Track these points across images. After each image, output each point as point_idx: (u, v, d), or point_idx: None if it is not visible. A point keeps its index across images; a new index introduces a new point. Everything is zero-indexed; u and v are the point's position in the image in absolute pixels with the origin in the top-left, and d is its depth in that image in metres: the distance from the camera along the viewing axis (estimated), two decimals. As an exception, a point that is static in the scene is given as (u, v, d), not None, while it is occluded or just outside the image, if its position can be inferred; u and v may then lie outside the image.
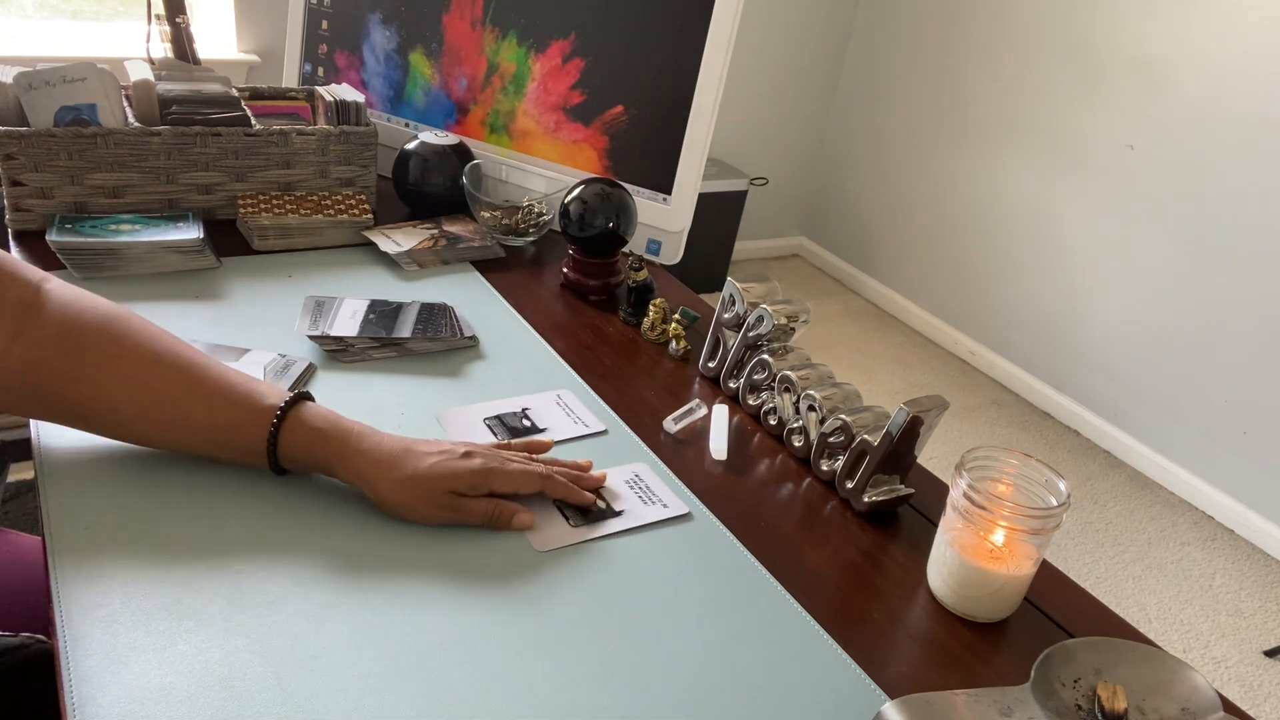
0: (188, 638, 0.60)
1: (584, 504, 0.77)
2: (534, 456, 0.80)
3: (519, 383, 0.94)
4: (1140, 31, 2.46)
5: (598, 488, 0.80)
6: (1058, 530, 0.83)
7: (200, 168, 1.12)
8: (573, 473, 0.79)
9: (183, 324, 0.93)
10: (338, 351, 0.93)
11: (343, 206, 1.17)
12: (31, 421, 0.77)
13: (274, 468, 0.73)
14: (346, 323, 0.96)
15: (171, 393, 0.71)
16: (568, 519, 0.76)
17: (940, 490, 0.87)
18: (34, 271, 0.73)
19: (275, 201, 1.14)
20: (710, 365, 1.00)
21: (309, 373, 0.89)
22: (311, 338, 0.93)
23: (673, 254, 1.26)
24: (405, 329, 0.97)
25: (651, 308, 1.06)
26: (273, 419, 0.72)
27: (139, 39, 1.37)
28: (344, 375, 0.90)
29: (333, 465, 0.73)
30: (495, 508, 0.73)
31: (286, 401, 0.72)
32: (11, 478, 1.89)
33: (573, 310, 1.11)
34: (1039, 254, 2.80)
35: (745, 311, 0.95)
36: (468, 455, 0.74)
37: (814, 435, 0.87)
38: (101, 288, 0.98)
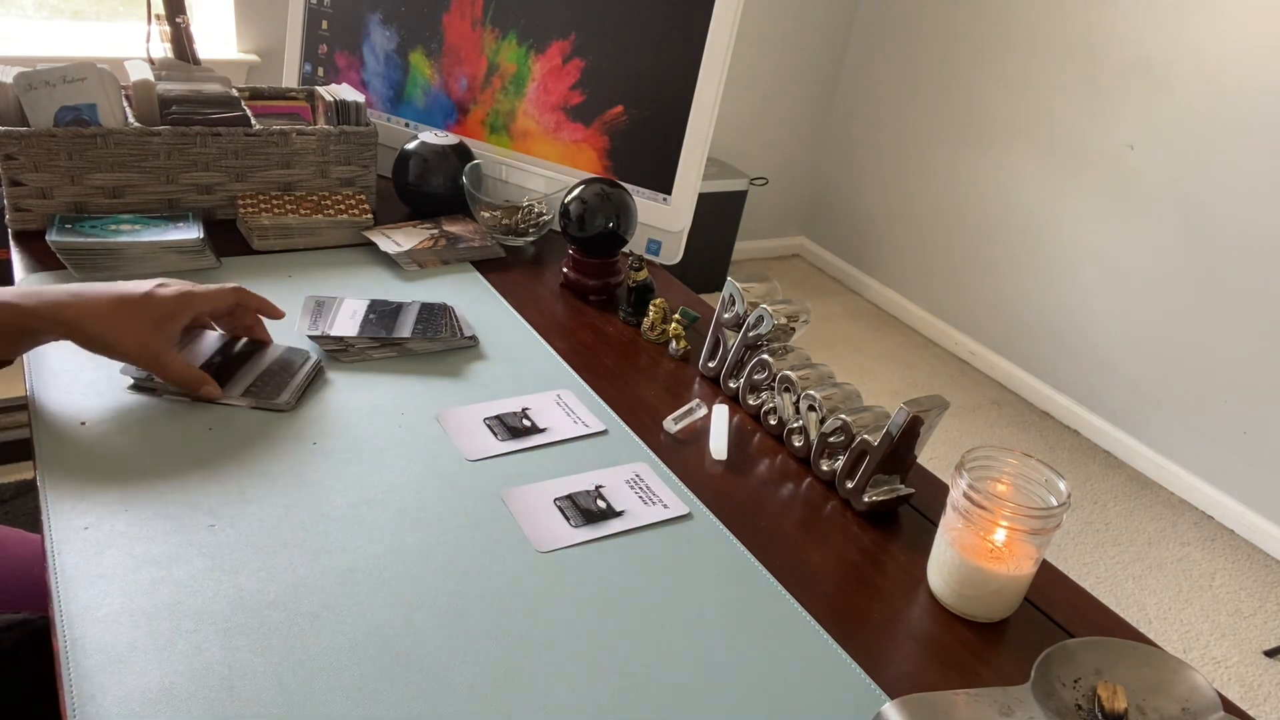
0: (188, 638, 0.60)
1: (278, 316, 0.88)
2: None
3: (519, 383, 0.94)
4: (1140, 32, 2.46)
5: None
6: (1058, 530, 0.84)
7: (200, 168, 1.12)
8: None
9: None
10: (338, 351, 0.93)
11: (343, 206, 1.17)
12: (31, 421, 0.78)
13: None
14: (346, 323, 0.96)
15: None
16: (568, 520, 0.76)
17: (940, 490, 0.87)
18: None
19: (275, 201, 1.14)
20: (710, 365, 1.00)
21: (316, 371, 0.89)
22: (311, 338, 0.93)
23: (673, 254, 1.26)
24: (405, 329, 0.97)
25: (651, 308, 1.06)
26: None
27: (139, 39, 1.38)
28: (344, 375, 0.90)
29: (27, 323, 0.74)
30: (191, 373, 0.80)
31: None
32: (11, 478, 1.89)
33: (573, 310, 1.11)
34: (1039, 254, 2.80)
35: (745, 311, 0.95)
36: (162, 285, 0.80)
37: (814, 435, 0.86)
38: (101, 288, 0.98)
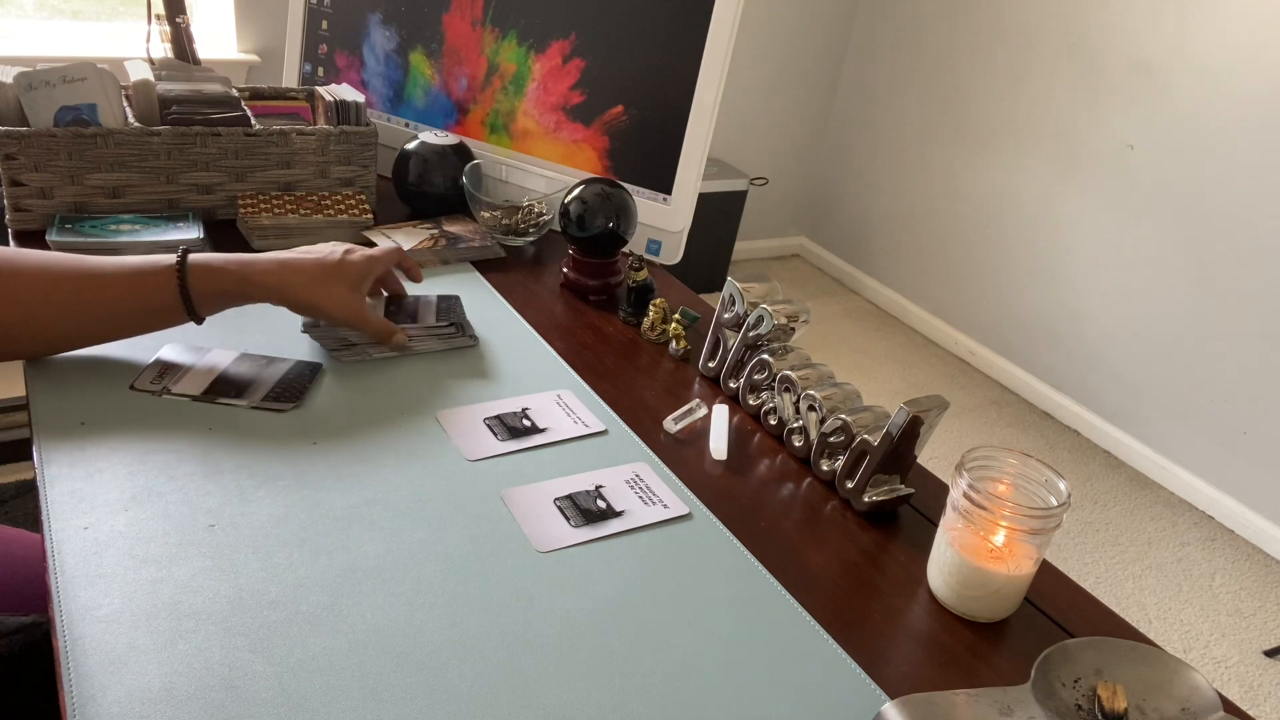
0: (188, 638, 0.60)
1: (418, 279, 1.00)
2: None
3: (519, 383, 0.94)
4: (1140, 31, 2.46)
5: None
6: (1058, 530, 0.84)
7: (200, 168, 1.12)
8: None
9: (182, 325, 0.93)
10: (338, 350, 0.93)
11: (343, 206, 1.17)
12: (31, 421, 0.78)
13: (193, 316, 0.84)
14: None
15: (77, 288, 0.80)
16: (568, 519, 0.76)
17: (940, 490, 0.87)
18: None
19: (275, 201, 1.14)
20: (710, 365, 1.00)
21: (316, 373, 0.89)
22: (315, 337, 0.93)
23: (673, 254, 1.26)
24: (430, 318, 0.97)
25: (651, 308, 1.06)
26: (176, 272, 0.82)
27: (139, 39, 1.37)
28: (344, 375, 0.90)
29: (245, 290, 0.85)
30: (386, 324, 0.92)
31: (180, 254, 0.82)
32: (11, 478, 1.89)
33: (573, 310, 1.11)
34: (1039, 254, 2.81)
35: (745, 311, 0.95)
36: (349, 252, 0.90)
37: (814, 435, 0.87)
38: (101, 288, 0.98)
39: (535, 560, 0.71)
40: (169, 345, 0.89)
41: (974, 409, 2.81)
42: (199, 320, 0.85)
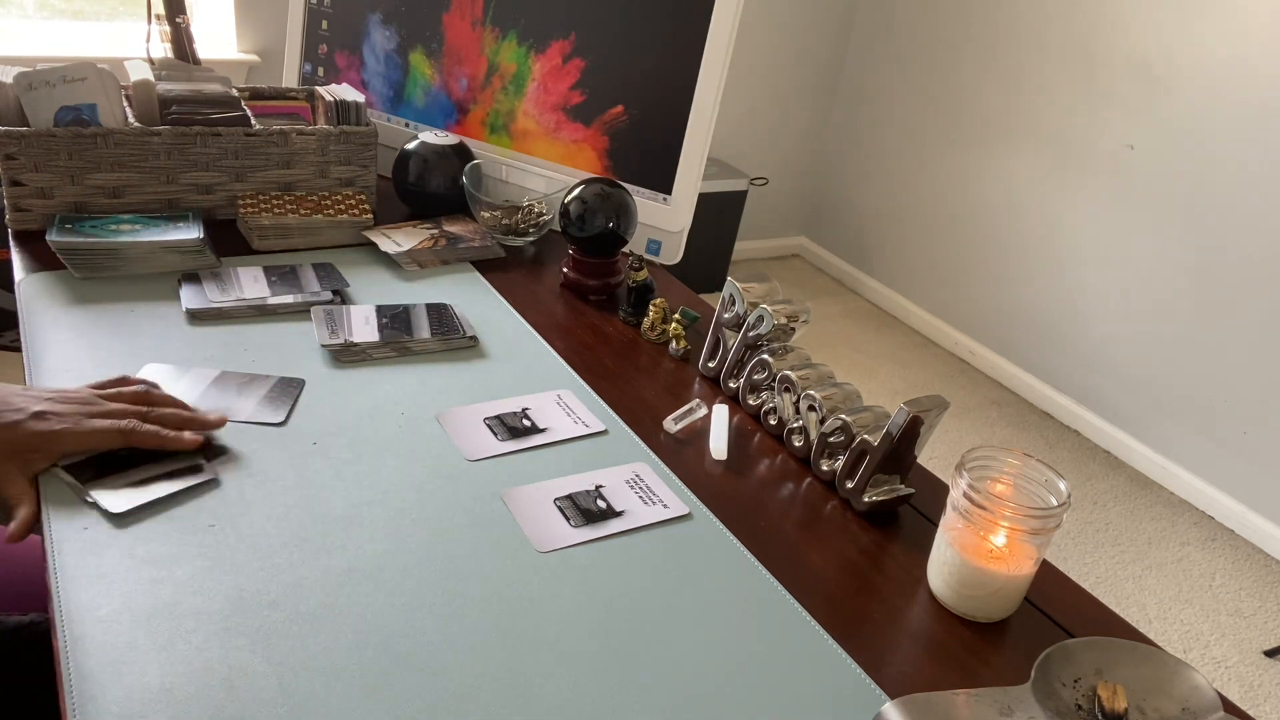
0: (188, 638, 0.60)
1: (182, 448, 0.73)
2: (147, 396, 0.76)
3: (519, 383, 0.94)
4: (1141, 31, 2.46)
5: (211, 427, 0.76)
6: (1058, 530, 0.84)
7: (200, 168, 1.12)
8: (179, 415, 0.75)
9: (181, 325, 0.93)
10: (338, 350, 0.93)
11: (343, 206, 1.17)
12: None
13: None
14: (363, 329, 0.96)
15: None
16: (569, 519, 0.76)
17: (940, 490, 0.87)
18: None
19: (275, 201, 1.14)
20: (710, 365, 1.00)
21: (299, 390, 0.88)
22: (327, 347, 0.93)
23: (673, 254, 1.26)
24: (423, 330, 0.97)
25: (651, 308, 1.06)
26: None
27: (139, 39, 1.38)
28: (344, 375, 0.90)
29: None
30: (20, 507, 0.69)
31: None
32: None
33: (573, 310, 1.11)
34: (1039, 254, 2.80)
35: (745, 311, 0.95)
36: (39, 416, 0.71)
37: (814, 435, 0.86)
38: (101, 288, 0.98)
39: (535, 560, 0.71)
40: (150, 365, 0.87)
41: (974, 409, 2.81)
42: None
